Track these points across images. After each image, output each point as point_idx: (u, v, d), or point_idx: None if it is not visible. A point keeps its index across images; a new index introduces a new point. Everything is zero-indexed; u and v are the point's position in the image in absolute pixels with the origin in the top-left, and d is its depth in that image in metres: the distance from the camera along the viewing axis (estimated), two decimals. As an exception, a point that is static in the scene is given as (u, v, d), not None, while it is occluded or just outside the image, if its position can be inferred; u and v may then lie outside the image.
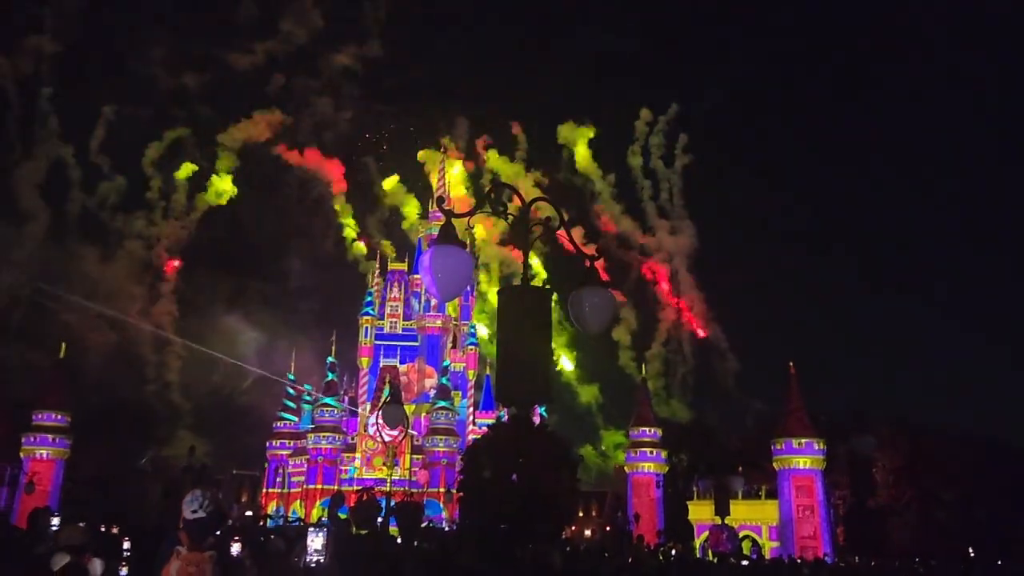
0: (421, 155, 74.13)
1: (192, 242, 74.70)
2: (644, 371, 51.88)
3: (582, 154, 74.85)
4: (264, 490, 52.90)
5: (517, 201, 7.00)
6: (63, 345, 47.45)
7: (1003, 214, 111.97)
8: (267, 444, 53.21)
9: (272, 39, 75.81)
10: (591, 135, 75.30)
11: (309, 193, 76.47)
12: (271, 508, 49.67)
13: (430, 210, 60.39)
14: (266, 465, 53.37)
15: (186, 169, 74.17)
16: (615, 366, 72.70)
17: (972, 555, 38.00)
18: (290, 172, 75.91)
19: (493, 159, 73.22)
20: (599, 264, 7.07)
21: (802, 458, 41.16)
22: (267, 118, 74.38)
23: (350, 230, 74.87)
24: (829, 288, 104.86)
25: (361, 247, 73.65)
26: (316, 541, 10.64)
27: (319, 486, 48.54)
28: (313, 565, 10.45)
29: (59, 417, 43.94)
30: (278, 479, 51.97)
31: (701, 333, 75.38)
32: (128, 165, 74.00)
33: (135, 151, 73.99)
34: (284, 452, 52.23)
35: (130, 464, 53.10)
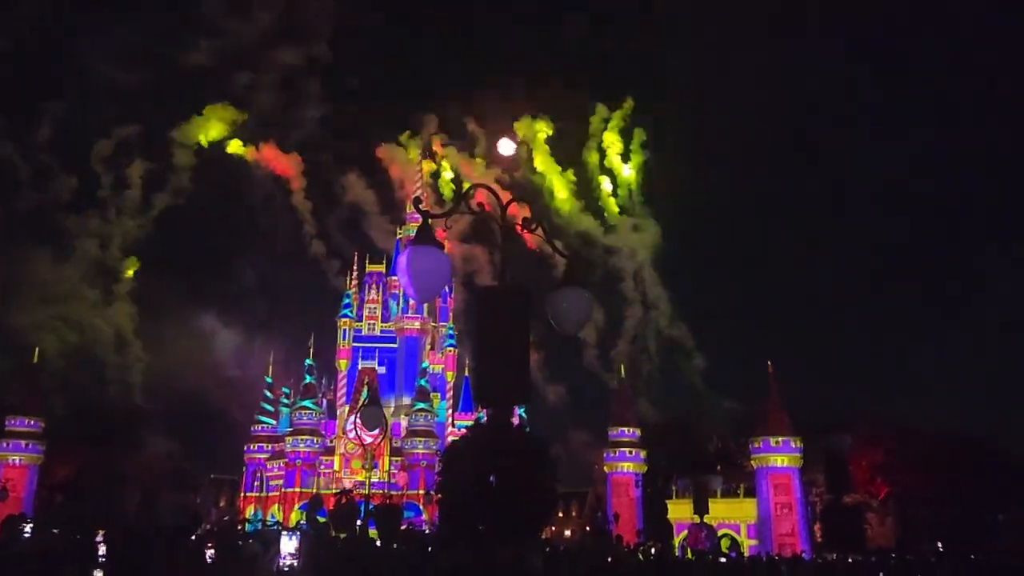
0: (380, 152, 73.24)
1: (148, 241, 72.85)
2: (622, 371, 52.12)
3: (540, 150, 73.89)
4: (242, 494, 52.47)
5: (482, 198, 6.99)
6: (36, 350, 46.83)
7: (983, 211, 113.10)
8: (245, 448, 52.78)
9: (224, 37, 74.41)
10: (549, 131, 74.28)
11: (267, 190, 74.98)
12: (249, 512, 49.25)
13: (407, 211, 60.20)
14: (244, 469, 52.95)
15: (137, 166, 72.03)
16: (580, 365, 72.19)
17: (944, 550, 38.51)
18: (247, 169, 74.49)
19: (452, 157, 72.30)
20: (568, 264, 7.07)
21: (780, 456, 41.51)
22: (220, 114, 73.18)
23: (309, 227, 73.60)
24: (804, 285, 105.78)
25: (320, 245, 72.56)
26: (289, 544, 10.56)
27: (297, 489, 48.22)
28: (286, 569, 10.37)
29: (32, 423, 43.37)
30: (256, 483, 51.57)
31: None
32: (78, 163, 71.59)
33: (84, 149, 71.73)
34: (262, 456, 51.84)
35: (103, 469, 52.37)
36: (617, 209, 76.82)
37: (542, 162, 73.64)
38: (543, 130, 74.03)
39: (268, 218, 76.14)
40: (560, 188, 74.73)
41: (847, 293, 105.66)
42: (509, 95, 76.22)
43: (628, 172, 77.53)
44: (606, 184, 77.17)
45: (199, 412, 62.51)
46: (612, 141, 77.27)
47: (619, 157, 77.58)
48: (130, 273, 70.31)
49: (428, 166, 68.06)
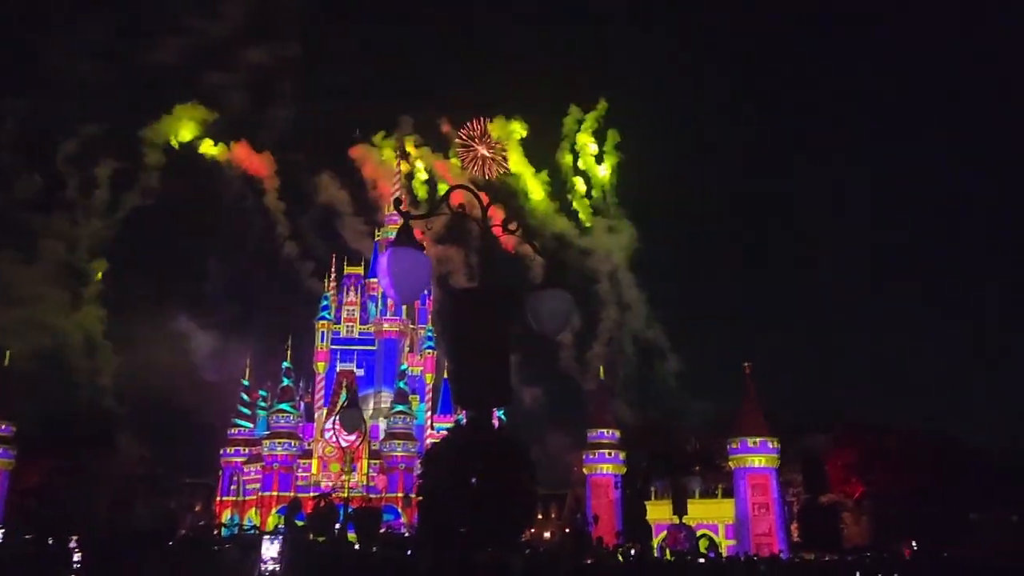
0: (353, 152, 72.67)
1: (117, 242, 70.97)
2: (602, 373, 52.26)
3: (514, 151, 73.34)
4: (218, 498, 51.92)
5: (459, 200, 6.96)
6: (7, 353, 46.01)
7: (976, 216, 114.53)
8: (221, 451, 52.25)
9: (194, 35, 73.52)
10: (523, 132, 73.81)
11: (239, 191, 73.86)
12: (225, 517, 48.77)
13: (386, 212, 59.92)
14: (220, 473, 52.40)
15: (105, 167, 70.51)
16: (556, 367, 72.00)
17: (918, 548, 39.05)
18: (218, 170, 73.36)
19: (426, 157, 71.74)
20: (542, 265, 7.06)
21: (757, 457, 41.79)
22: (190, 113, 71.80)
23: (282, 228, 72.82)
24: (777, 288, 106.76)
25: (293, 245, 71.87)
26: (271, 549, 10.44)
27: (275, 493, 47.82)
28: (267, 573, 10.26)
29: (3, 427, 42.65)
30: (233, 487, 51.05)
31: None
32: (44, 163, 69.85)
33: (50, 148, 69.83)
34: (239, 459, 51.33)
35: (75, 473, 51.57)
36: (591, 211, 76.77)
37: (516, 163, 73.23)
38: (517, 131, 73.57)
39: (240, 219, 75.06)
40: (535, 189, 74.48)
41: (826, 293, 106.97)
42: (484, 96, 75.75)
43: (603, 173, 77.50)
44: (580, 185, 77.12)
45: (172, 416, 61.74)
46: (586, 142, 77.21)
47: (593, 158, 77.53)
48: (99, 275, 69.05)
49: (403, 167, 67.62)
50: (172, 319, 65.46)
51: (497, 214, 7.12)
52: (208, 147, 72.43)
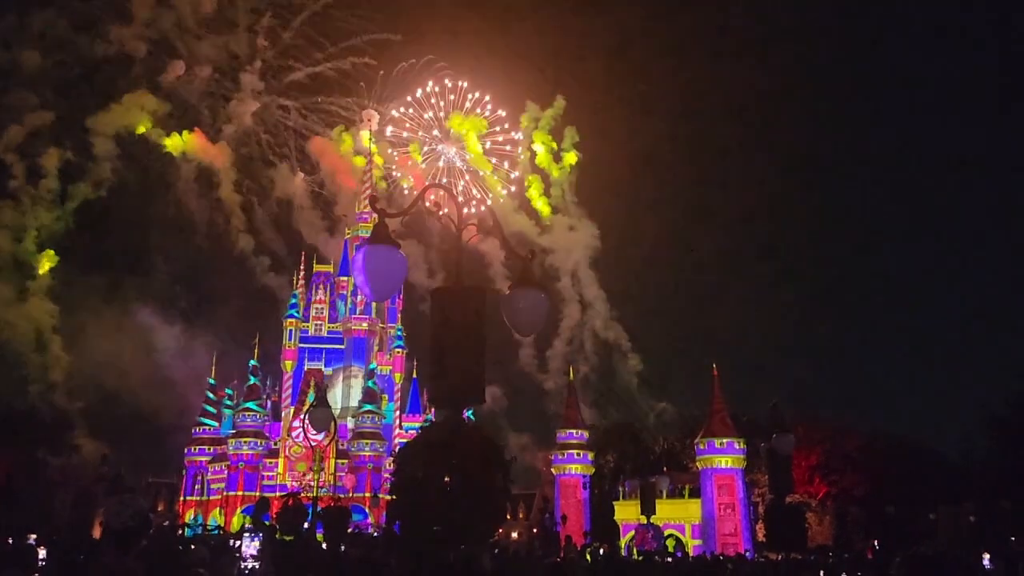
0: (313, 146, 71.80)
1: (67, 235, 68.77)
2: (571, 374, 52.34)
3: (472, 147, 72.69)
4: (182, 498, 51.24)
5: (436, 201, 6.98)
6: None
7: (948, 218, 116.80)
8: (185, 450, 51.56)
9: (150, 24, 71.65)
10: (483, 128, 73.05)
11: (193, 183, 72.42)
12: (188, 516, 48.16)
13: (358, 210, 59.49)
14: (183, 472, 51.72)
15: (53, 156, 68.59)
16: (515, 366, 71.64)
17: (880, 547, 39.77)
18: (172, 161, 71.64)
19: (383, 152, 70.95)
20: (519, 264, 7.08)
21: (724, 457, 42.23)
22: (141, 102, 69.56)
23: (236, 219, 71.66)
24: (742, 288, 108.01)
25: (249, 239, 70.79)
26: (251, 547, 10.32)
27: (240, 493, 47.34)
28: (247, 572, 10.13)
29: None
30: (196, 486, 50.41)
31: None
32: None
33: None
34: (203, 458, 50.71)
35: (33, 472, 50.53)
36: (549, 209, 76.50)
37: (475, 160, 72.68)
38: (477, 127, 72.70)
39: (194, 211, 73.55)
40: (493, 185, 73.85)
41: (788, 295, 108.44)
42: (445, 91, 74.50)
43: (561, 171, 77.27)
44: (538, 183, 76.78)
45: (129, 413, 60.64)
46: (543, 140, 76.84)
47: (551, 156, 77.18)
48: (45, 268, 67.17)
49: (360, 162, 67.07)
50: (126, 313, 64.33)
51: (468, 214, 7.12)
52: (160, 137, 70.70)
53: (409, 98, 69.36)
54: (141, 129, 70.43)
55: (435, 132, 69.62)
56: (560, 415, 48.79)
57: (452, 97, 69.99)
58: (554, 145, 76.53)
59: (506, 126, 71.67)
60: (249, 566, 10.40)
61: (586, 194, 77.96)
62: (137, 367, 60.47)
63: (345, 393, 54.06)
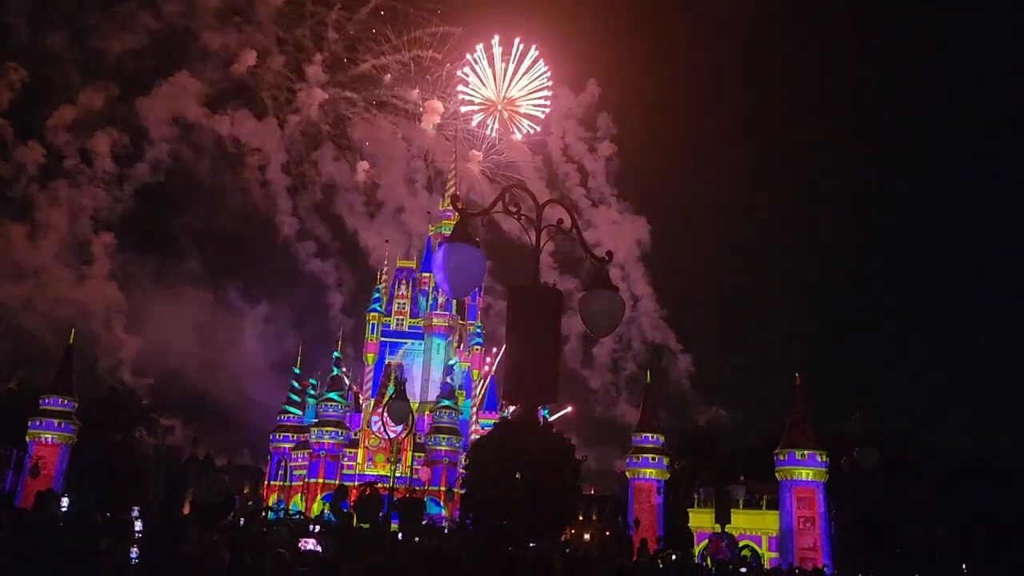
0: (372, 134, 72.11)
1: (125, 216, 71.15)
2: (648, 377, 51.65)
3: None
4: (266, 482, 53.09)
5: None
6: (72, 331, 47.74)
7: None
8: (271, 437, 53.42)
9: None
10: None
11: (240, 164, 73.42)
12: (272, 500, 49.84)
13: (441, 208, 60.31)
14: (269, 458, 53.60)
15: (102, 140, 68.72)
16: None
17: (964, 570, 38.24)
18: (220, 142, 71.98)
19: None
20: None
21: (804, 470, 41.10)
22: (185, 81, 70.08)
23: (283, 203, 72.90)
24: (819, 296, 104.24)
25: (295, 222, 72.13)
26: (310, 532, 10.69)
27: (320, 480, 48.71)
28: (306, 552, 10.55)
29: (66, 402, 44.26)
30: (280, 472, 52.16)
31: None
32: (41, 134, 67.83)
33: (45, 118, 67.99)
34: (287, 445, 52.42)
35: (131, 452, 53.31)
36: (588, 201, 74.62)
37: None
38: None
39: (241, 194, 75.05)
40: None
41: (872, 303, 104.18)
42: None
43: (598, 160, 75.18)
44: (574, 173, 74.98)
45: (217, 400, 63.11)
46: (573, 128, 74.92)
47: (584, 144, 74.91)
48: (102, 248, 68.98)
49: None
50: (192, 298, 65.97)
51: (551, 214, 7.20)
52: (208, 117, 71.19)
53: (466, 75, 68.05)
54: (189, 109, 70.83)
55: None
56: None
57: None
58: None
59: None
60: (310, 547, 10.77)
61: (631, 187, 75.67)
62: (232, 353, 62.85)
63: (424, 388, 54.89)
